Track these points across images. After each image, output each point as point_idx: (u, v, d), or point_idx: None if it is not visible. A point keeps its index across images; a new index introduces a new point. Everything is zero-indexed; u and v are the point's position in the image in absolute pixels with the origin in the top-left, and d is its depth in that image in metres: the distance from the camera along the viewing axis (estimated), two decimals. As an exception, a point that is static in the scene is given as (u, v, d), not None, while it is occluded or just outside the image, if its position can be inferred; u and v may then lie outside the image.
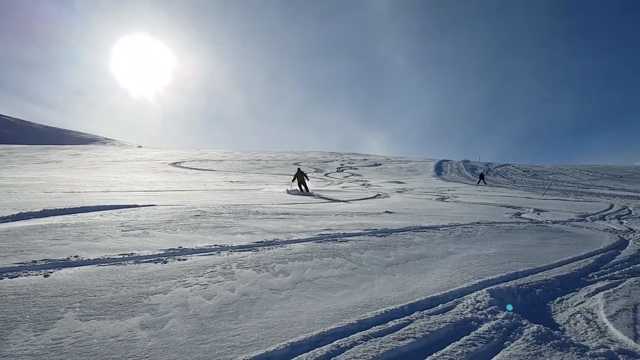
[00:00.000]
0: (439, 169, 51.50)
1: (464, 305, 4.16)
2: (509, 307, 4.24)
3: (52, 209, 8.05)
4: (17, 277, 4.07)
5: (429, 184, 34.05)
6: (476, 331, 3.62)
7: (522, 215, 12.09)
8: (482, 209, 13.84)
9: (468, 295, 4.46)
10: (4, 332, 2.97)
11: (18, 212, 7.46)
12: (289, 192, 19.37)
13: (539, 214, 12.70)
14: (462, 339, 3.42)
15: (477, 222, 9.81)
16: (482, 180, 35.72)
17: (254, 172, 40.01)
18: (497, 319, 3.89)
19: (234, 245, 6.00)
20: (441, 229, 8.53)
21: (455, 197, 19.83)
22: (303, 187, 20.86)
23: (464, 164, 59.15)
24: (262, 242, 6.34)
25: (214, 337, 3.17)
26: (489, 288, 4.68)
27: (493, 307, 4.15)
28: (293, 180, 21.39)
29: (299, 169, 21.33)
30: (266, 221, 8.42)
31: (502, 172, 50.32)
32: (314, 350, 3.03)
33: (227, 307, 3.77)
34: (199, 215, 8.45)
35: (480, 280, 5.02)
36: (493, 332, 3.61)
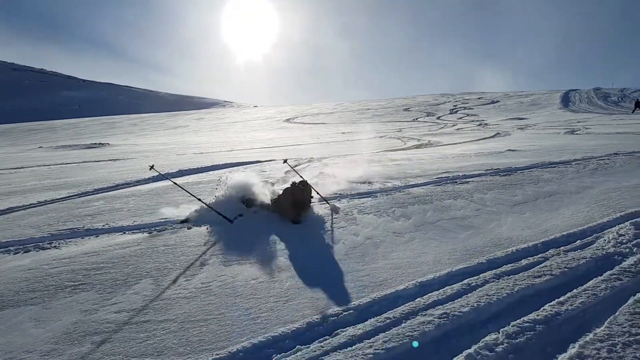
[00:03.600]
0: (565, 100, 46.72)
1: (605, 240, 3.88)
2: None
3: (187, 169, 8.87)
4: (164, 230, 4.58)
5: (555, 117, 31.33)
6: (621, 265, 3.37)
7: (670, 144, 10.66)
8: (619, 139, 12.49)
9: (609, 230, 4.16)
10: (159, 278, 3.40)
11: (157, 173, 8.30)
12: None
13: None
14: (605, 274, 3.21)
15: (614, 154, 8.89)
16: (638, 108, 32.10)
17: (365, 122, 39.80)
18: (645, 252, 3.58)
19: (353, 193, 6.10)
20: (573, 163, 7.86)
21: (586, 128, 18.10)
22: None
23: (594, 92, 52.89)
24: (380, 188, 6.37)
25: (345, 278, 3.32)
26: (633, 221, 4.30)
27: (639, 240, 3.80)
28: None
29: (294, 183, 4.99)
30: (382, 168, 8.42)
31: (640, 98, 44.30)
32: (445, 289, 3.04)
33: (353, 250, 3.92)
34: (316, 167, 8.73)
35: (622, 213, 4.64)
36: (640, 266, 3.33)
